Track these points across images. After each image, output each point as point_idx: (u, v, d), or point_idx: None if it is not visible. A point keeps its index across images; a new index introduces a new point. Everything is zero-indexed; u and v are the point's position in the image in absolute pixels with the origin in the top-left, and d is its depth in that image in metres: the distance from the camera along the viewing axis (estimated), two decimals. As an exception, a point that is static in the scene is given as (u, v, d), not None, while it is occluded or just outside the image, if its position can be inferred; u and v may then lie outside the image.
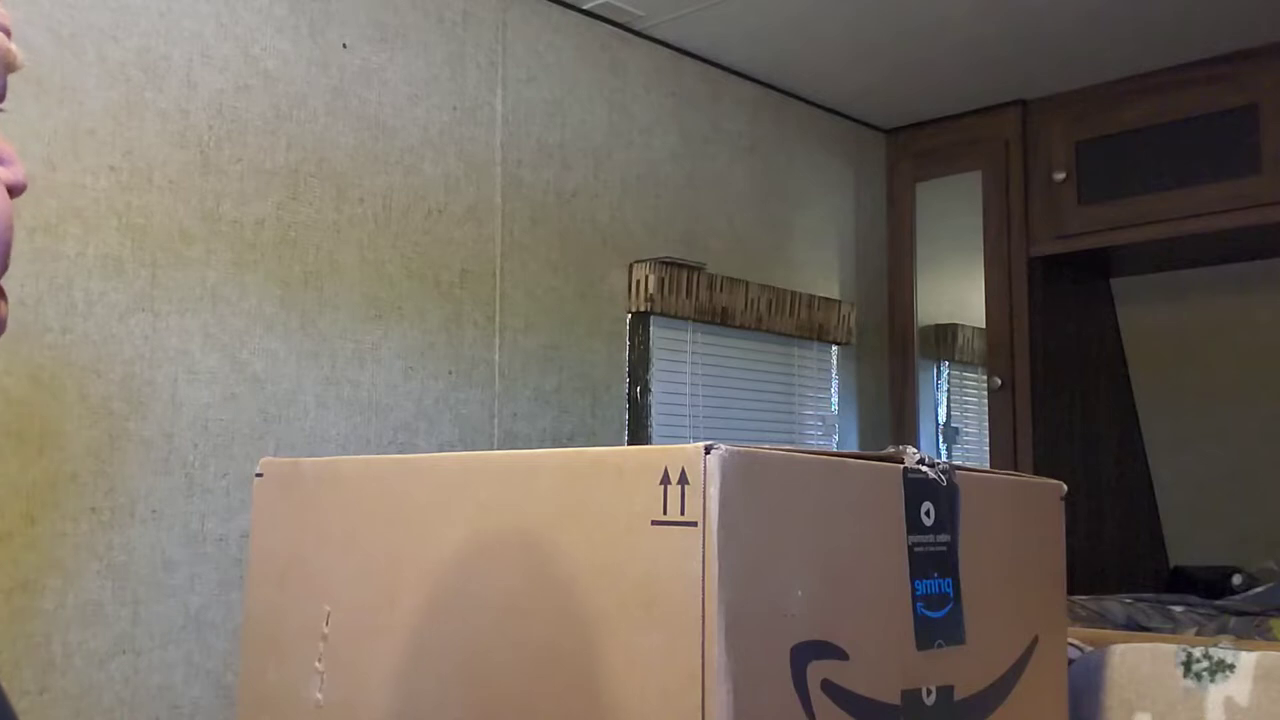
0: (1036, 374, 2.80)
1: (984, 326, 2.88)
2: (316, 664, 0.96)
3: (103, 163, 1.63)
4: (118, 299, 1.63)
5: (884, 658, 0.81)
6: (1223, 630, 1.90)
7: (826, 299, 2.82)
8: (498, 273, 2.15)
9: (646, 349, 2.41)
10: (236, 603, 1.71)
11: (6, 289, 0.55)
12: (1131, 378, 3.11)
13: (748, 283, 2.60)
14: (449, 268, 2.07)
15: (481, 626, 0.83)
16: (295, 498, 1.03)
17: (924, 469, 0.87)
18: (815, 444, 2.83)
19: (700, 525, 0.70)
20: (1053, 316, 2.87)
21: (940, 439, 3.06)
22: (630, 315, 2.39)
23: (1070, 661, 1.12)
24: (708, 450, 0.71)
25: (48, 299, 1.56)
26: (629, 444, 2.34)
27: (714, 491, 0.70)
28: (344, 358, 1.90)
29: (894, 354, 3.06)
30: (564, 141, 2.28)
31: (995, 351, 2.85)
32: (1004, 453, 2.79)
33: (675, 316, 2.44)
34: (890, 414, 3.04)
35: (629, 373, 2.37)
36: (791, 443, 2.54)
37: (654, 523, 0.73)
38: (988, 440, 2.86)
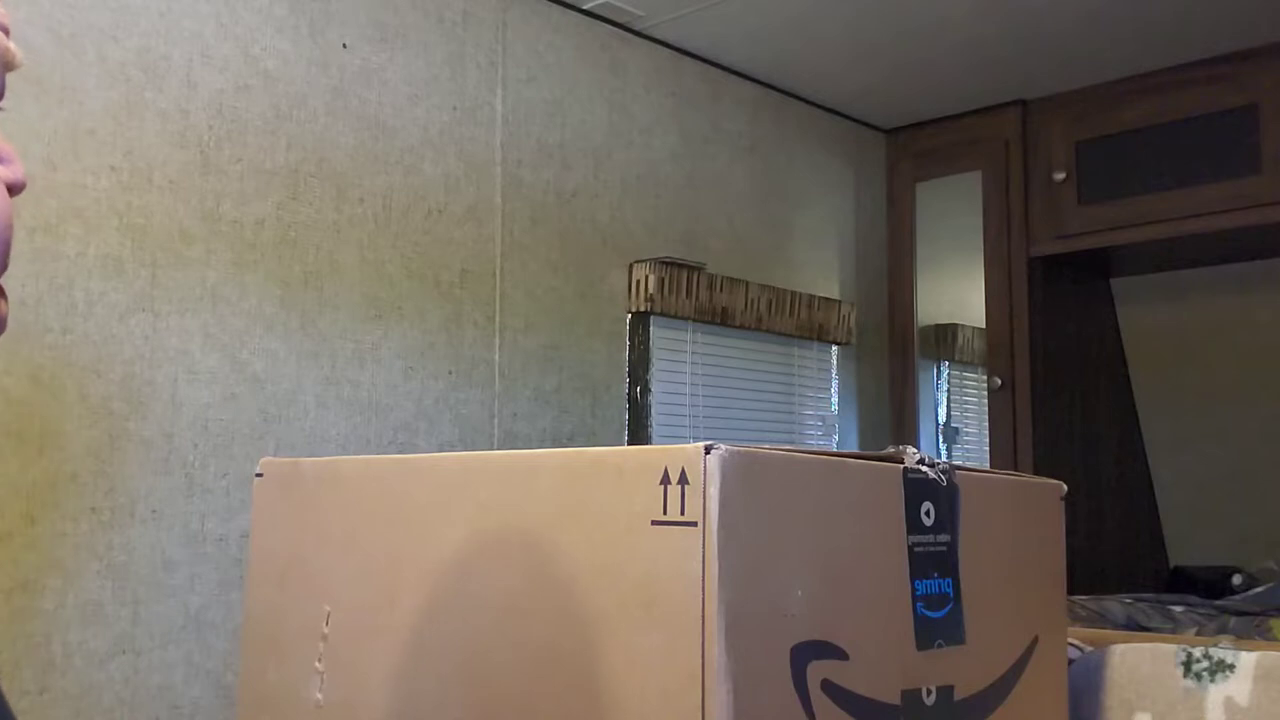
0: (1036, 374, 2.80)
1: (984, 326, 2.88)
2: (316, 664, 0.96)
3: (103, 163, 1.63)
4: (118, 299, 1.63)
5: (884, 658, 0.81)
6: (1223, 630, 1.90)
7: (826, 299, 2.82)
8: (498, 273, 2.15)
9: (646, 349, 2.41)
10: (236, 603, 1.71)
11: (6, 289, 0.55)
12: (1131, 378, 3.11)
13: (748, 283, 2.60)
14: (449, 268, 2.07)
15: (481, 626, 0.83)
16: (295, 498, 1.03)
17: (924, 469, 0.87)
18: (815, 444, 2.83)
19: (700, 525, 0.70)
20: (1053, 316, 2.87)
21: (940, 439, 3.06)
22: (630, 315, 2.39)
23: (1070, 661, 1.12)
24: (708, 450, 0.71)
25: (48, 299, 1.56)
26: (629, 444, 2.34)
27: (714, 491, 0.70)
28: (344, 358, 1.90)
29: (894, 354, 3.06)
30: (564, 141, 2.28)
31: (995, 351, 2.85)
32: (1004, 453, 2.79)
33: (675, 316, 2.44)
34: (890, 414, 3.04)
35: (629, 373, 2.37)
36: (791, 443, 2.54)
37: (654, 523, 0.73)
38: (988, 440, 2.86)
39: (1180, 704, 1.10)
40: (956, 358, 3.05)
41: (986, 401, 2.86)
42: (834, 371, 2.89)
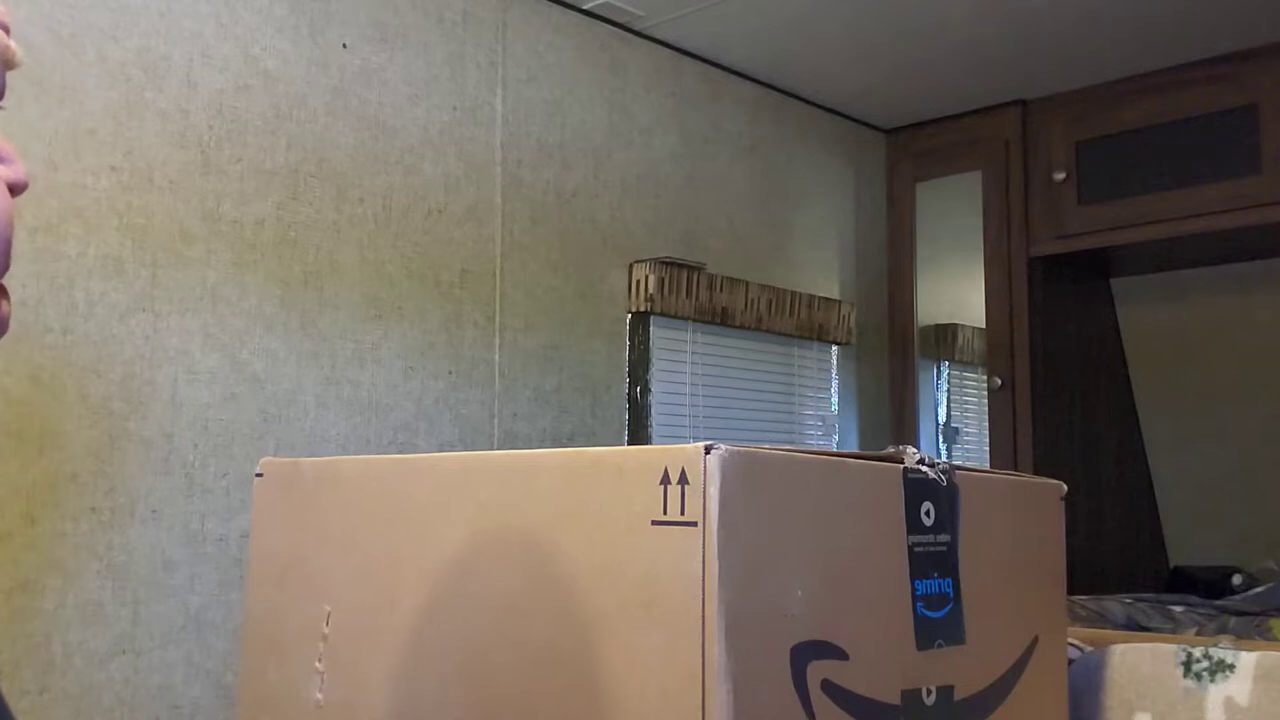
0: (1036, 374, 2.80)
1: (984, 326, 2.88)
2: (316, 664, 0.96)
3: (103, 163, 1.63)
4: (118, 299, 1.63)
5: (884, 658, 0.81)
6: (1223, 630, 1.90)
7: (826, 299, 2.82)
8: (498, 273, 2.15)
9: (646, 349, 2.41)
10: (236, 603, 1.71)
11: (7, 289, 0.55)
12: (1131, 378, 3.11)
13: (748, 283, 2.60)
14: (449, 268, 2.07)
15: (481, 626, 0.83)
16: (295, 498, 1.03)
17: (924, 469, 0.87)
18: (815, 444, 2.83)
19: (700, 525, 0.70)
20: (1053, 316, 2.87)
21: (940, 439, 3.06)
22: (630, 315, 2.39)
23: (1070, 661, 1.12)
24: (708, 450, 0.71)
25: (48, 299, 1.56)
26: (629, 444, 2.34)
27: (714, 491, 0.70)
28: (344, 358, 1.90)
29: (894, 354, 3.06)
30: (564, 141, 2.29)
31: (995, 351, 2.85)
32: (1004, 453, 2.79)
33: (675, 316, 2.44)
34: (890, 414, 3.04)
35: (629, 373, 2.37)
36: (791, 443, 2.54)
37: (654, 523, 0.73)
38: (988, 440, 2.86)
39: (1180, 704, 1.10)
40: (956, 358, 3.05)
41: (986, 401, 2.86)
42: (834, 371, 2.89)
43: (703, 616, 0.70)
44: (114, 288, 1.63)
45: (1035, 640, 0.98)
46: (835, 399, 2.89)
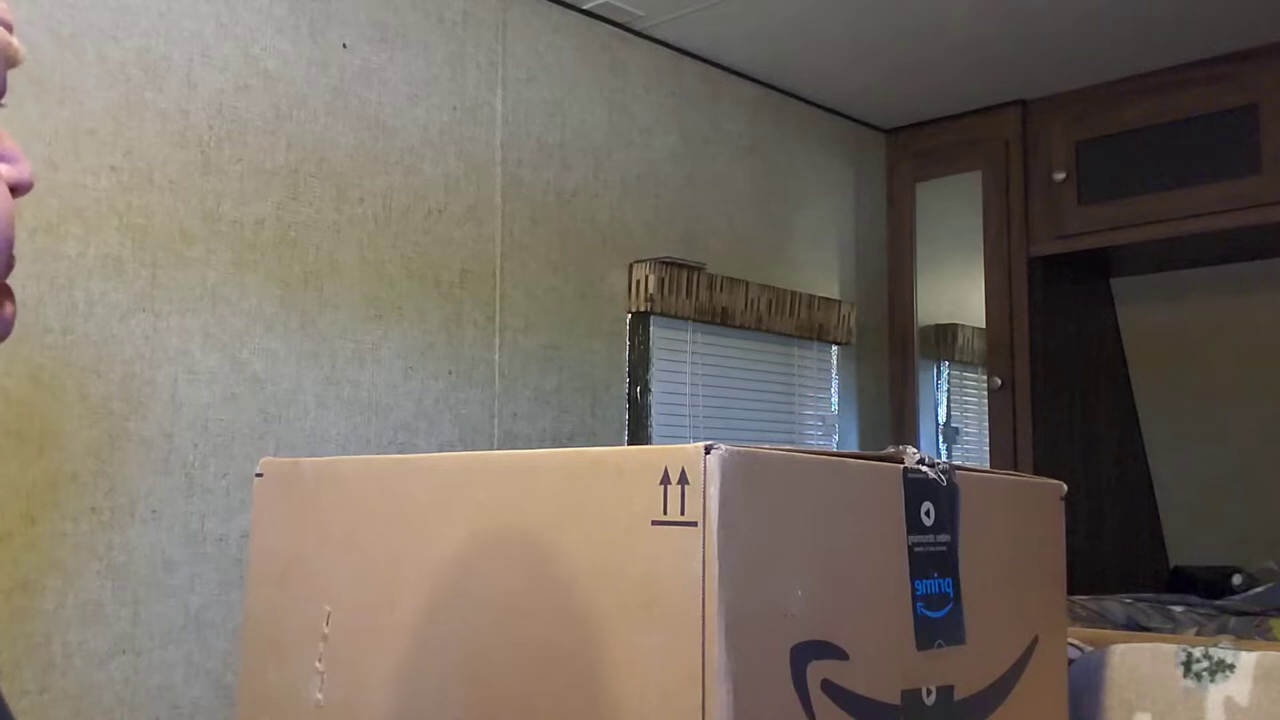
0: (1036, 374, 2.80)
1: (984, 326, 2.88)
2: (316, 664, 0.96)
3: (103, 163, 1.63)
4: (118, 299, 1.63)
5: (884, 658, 0.81)
6: (1223, 630, 1.90)
7: (826, 299, 2.82)
8: (498, 273, 2.15)
9: (646, 349, 2.41)
10: (236, 603, 1.71)
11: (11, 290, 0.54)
12: (1131, 378, 3.11)
13: (748, 283, 2.60)
14: (449, 268, 2.07)
15: (482, 626, 0.83)
16: (295, 498, 1.03)
17: (924, 469, 0.87)
18: (815, 444, 2.83)
19: (700, 525, 0.70)
20: (1053, 316, 2.87)
21: (940, 439, 3.06)
22: (630, 315, 2.39)
23: (1070, 661, 1.12)
24: (708, 450, 0.71)
25: (48, 299, 1.56)
26: (629, 444, 2.34)
27: (714, 491, 0.70)
28: (344, 358, 1.90)
29: (894, 354, 3.06)
30: (564, 141, 2.29)
31: (995, 351, 2.85)
32: (1004, 453, 2.79)
33: (675, 316, 2.44)
34: (890, 414, 3.04)
35: (629, 373, 2.37)
36: (791, 443, 2.54)
37: (654, 523, 0.73)
38: (988, 440, 2.86)
39: (1180, 704, 1.10)
40: (956, 358, 3.05)
41: (986, 401, 2.86)
42: (834, 371, 2.89)
43: (703, 616, 0.70)
44: (114, 288, 1.63)
45: (1035, 640, 0.98)
46: (835, 399, 2.89)
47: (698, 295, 2.47)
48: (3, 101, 0.51)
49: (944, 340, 3.05)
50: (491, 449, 2.10)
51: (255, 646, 1.04)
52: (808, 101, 2.87)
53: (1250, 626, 1.91)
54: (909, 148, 3.08)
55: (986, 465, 2.82)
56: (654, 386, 2.42)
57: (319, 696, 0.95)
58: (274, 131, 1.83)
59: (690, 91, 2.57)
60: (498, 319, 2.14)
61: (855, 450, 1.10)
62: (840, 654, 0.77)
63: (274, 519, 1.05)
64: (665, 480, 0.72)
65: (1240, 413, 2.88)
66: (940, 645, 0.86)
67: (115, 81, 1.65)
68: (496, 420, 2.12)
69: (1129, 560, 2.96)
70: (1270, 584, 2.34)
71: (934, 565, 0.87)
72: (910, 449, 0.87)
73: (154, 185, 1.69)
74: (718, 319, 2.52)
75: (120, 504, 1.61)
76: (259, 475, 1.06)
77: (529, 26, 2.24)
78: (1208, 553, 2.93)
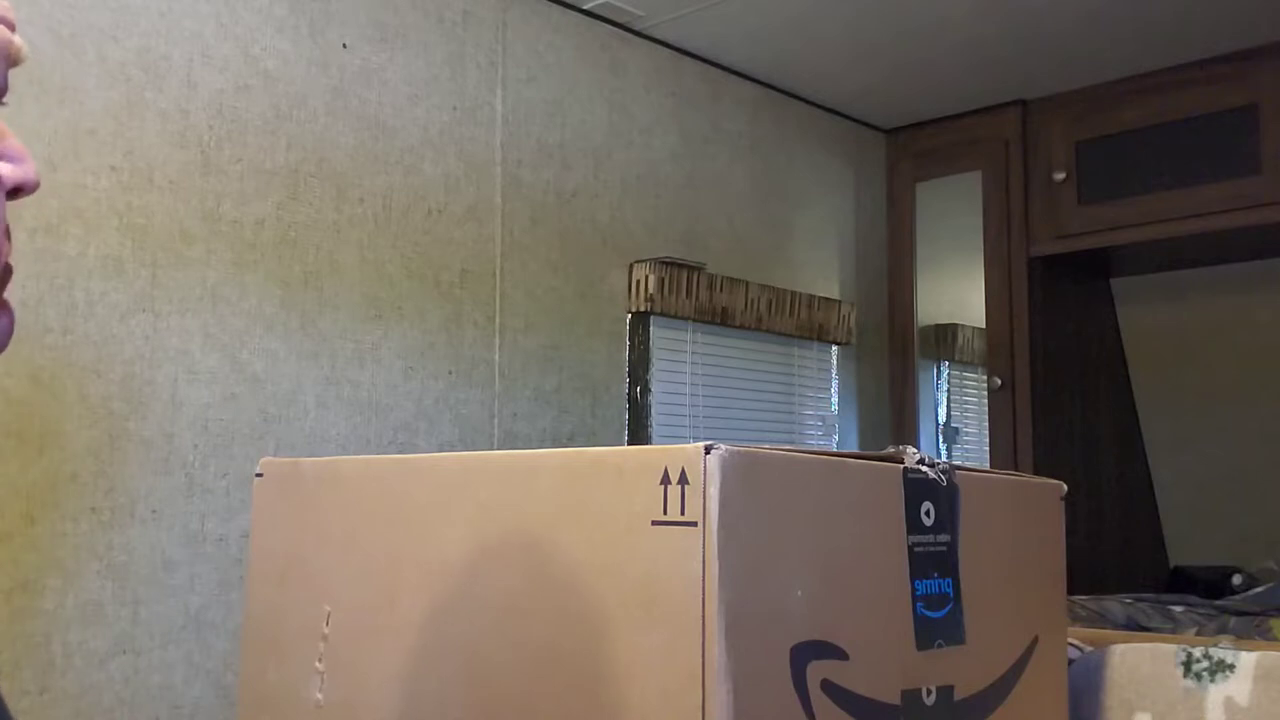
0: (1036, 374, 2.80)
1: (984, 326, 2.88)
2: (316, 664, 0.96)
3: (103, 163, 1.63)
4: (118, 299, 1.63)
5: (884, 658, 0.81)
6: (1223, 630, 1.90)
7: (826, 299, 2.82)
8: (498, 273, 2.15)
9: (646, 349, 2.41)
10: (236, 603, 1.71)
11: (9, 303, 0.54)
12: (1131, 378, 3.11)
13: (748, 283, 2.60)
14: (449, 268, 2.07)
15: (482, 626, 0.83)
16: (295, 498, 1.03)
17: (924, 469, 0.87)
18: (815, 444, 2.83)
19: (700, 525, 0.70)
20: (1053, 316, 2.87)
21: (940, 439, 3.06)
22: (630, 315, 2.39)
23: (1070, 661, 1.12)
24: (708, 450, 0.71)
25: (48, 299, 1.56)
26: (629, 444, 2.34)
27: (714, 491, 0.70)
28: (344, 358, 1.90)
29: (894, 354, 3.06)
30: (564, 141, 2.29)
31: (995, 351, 2.85)
32: (1004, 453, 2.79)
33: (675, 316, 2.44)
34: (890, 414, 3.04)
35: (629, 373, 2.37)
36: (791, 443, 2.54)
37: (654, 523, 0.73)
38: (988, 440, 2.86)
39: (1180, 704, 1.10)
40: (956, 358, 3.05)
41: (986, 401, 2.86)
42: (834, 371, 2.89)
43: (703, 616, 0.70)
44: (114, 288, 1.63)
45: (1035, 640, 0.98)
46: (835, 399, 2.89)
47: (698, 295, 2.47)
48: (4, 101, 0.51)
49: (944, 340, 3.05)
50: (491, 449, 2.10)
51: (255, 646, 1.04)
52: (808, 101, 2.87)
53: (1250, 626, 1.91)
54: (909, 148, 3.08)
55: (986, 465, 2.82)
56: (654, 386, 2.42)
57: (319, 696, 0.95)
58: (274, 131, 1.83)
59: (690, 91, 2.57)
60: (498, 319, 2.14)
61: (855, 450, 1.10)
62: (840, 654, 0.77)
63: (274, 519, 1.05)
64: (665, 480, 0.72)
65: (1240, 413, 2.88)
66: (940, 645, 0.86)
67: (115, 81, 1.65)
68: (496, 420, 2.12)
69: (1129, 560, 2.96)
70: (1270, 584, 2.34)
71: (934, 565, 0.87)
72: (910, 449, 0.87)
73: (154, 185, 1.69)
74: (718, 319, 2.52)
75: (120, 504, 1.61)
76: (259, 475, 1.06)
77: (529, 26, 2.24)
78: (1208, 553, 2.93)
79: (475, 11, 2.14)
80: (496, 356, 2.13)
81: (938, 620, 0.86)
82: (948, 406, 3.07)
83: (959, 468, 0.92)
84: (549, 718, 0.77)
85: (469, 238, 2.10)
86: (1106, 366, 3.06)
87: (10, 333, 0.53)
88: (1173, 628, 1.97)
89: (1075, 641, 1.20)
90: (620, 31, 2.42)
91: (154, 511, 1.65)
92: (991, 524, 0.95)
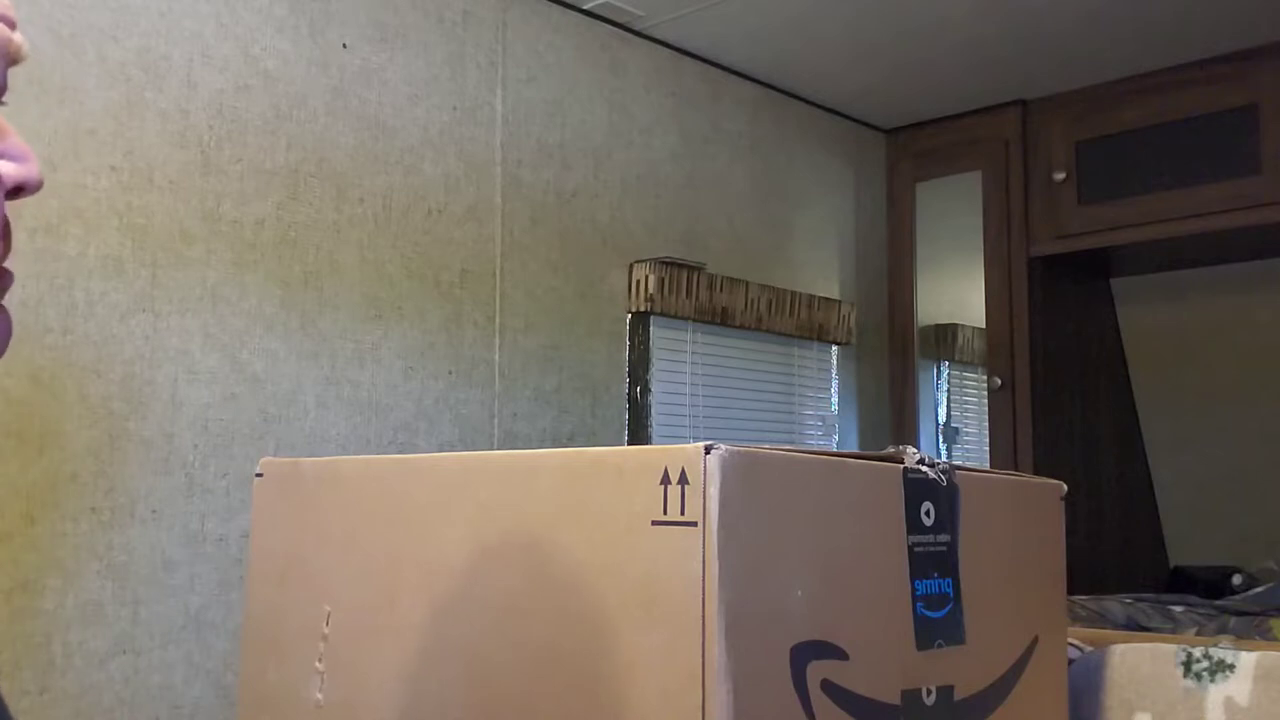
0: (1036, 374, 2.80)
1: (984, 326, 2.88)
2: (317, 664, 0.96)
3: (103, 163, 1.63)
4: (118, 299, 1.63)
5: (884, 658, 0.81)
6: (1223, 630, 1.90)
7: (826, 299, 2.82)
8: (498, 273, 2.15)
9: (646, 349, 2.41)
10: (236, 603, 1.71)
11: (8, 292, 0.54)
12: (1131, 378, 3.11)
13: (748, 283, 2.60)
14: (449, 268, 2.07)
15: (482, 626, 0.83)
16: (295, 498, 1.03)
17: (924, 469, 0.87)
18: (815, 444, 2.83)
19: (700, 525, 0.70)
20: (1053, 316, 2.87)
21: (940, 439, 3.06)
22: (630, 315, 2.39)
23: (1070, 661, 1.12)
24: (708, 450, 0.71)
25: (48, 299, 1.56)
26: (629, 444, 2.34)
27: (714, 491, 0.70)
28: (344, 358, 1.90)
29: (894, 354, 3.06)
30: (564, 141, 2.28)
31: (995, 351, 2.85)
32: (1004, 453, 2.79)
33: (675, 316, 2.44)
34: (890, 414, 3.04)
35: (629, 373, 2.37)
36: (791, 443, 2.54)
37: (654, 523, 0.73)
38: (988, 440, 2.86)
39: (1180, 704, 1.10)
40: (956, 358, 3.05)
41: (986, 401, 2.86)
42: (834, 371, 2.89)
43: (703, 616, 0.70)
44: (114, 288, 1.63)
45: (1035, 640, 0.98)
46: (835, 399, 2.89)
47: (698, 295, 2.47)
48: (3, 100, 0.51)
49: (944, 340, 3.05)
50: (491, 449, 2.10)
51: (255, 646, 1.04)
52: (808, 101, 2.87)
53: (1250, 626, 1.91)
54: (909, 148, 3.08)
55: (986, 465, 2.82)
56: (654, 386, 2.42)
57: (319, 696, 0.95)
58: (274, 131, 1.83)
59: (690, 91, 2.57)
60: (498, 319, 2.14)
61: (855, 450, 1.10)
62: (840, 654, 0.77)
63: (274, 519, 1.05)
64: (665, 480, 0.72)
65: (1240, 413, 2.88)
66: (940, 645, 0.86)
67: (115, 81, 1.65)
68: (496, 420, 2.12)
69: (1129, 560, 2.96)
70: (1270, 584, 2.34)
71: (934, 565, 0.87)
72: (910, 449, 0.87)
73: (154, 185, 1.69)
74: (718, 319, 2.52)
75: (120, 504, 1.61)
76: (259, 475, 1.06)
77: (529, 26, 2.24)
78: (1208, 553, 2.93)
79: (475, 11, 2.14)
80: (496, 356, 2.13)
81: (938, 620, 0.86)
82: (948, 406, 3.07)
83: (959, 468, 0.92)
84: (549, 718, 0.77)
85: (469, 238, 2.10)
86: (1106, 366, 3.06)
87: (9, 337, 0.53)
88: (1173, 628, 1.97)
89: (1075, 641, 1.20)
90: (620, 31, 2.42)
91: (154, 511, 1.65)
92: (991, 524, 0.95)
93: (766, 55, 2.60)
